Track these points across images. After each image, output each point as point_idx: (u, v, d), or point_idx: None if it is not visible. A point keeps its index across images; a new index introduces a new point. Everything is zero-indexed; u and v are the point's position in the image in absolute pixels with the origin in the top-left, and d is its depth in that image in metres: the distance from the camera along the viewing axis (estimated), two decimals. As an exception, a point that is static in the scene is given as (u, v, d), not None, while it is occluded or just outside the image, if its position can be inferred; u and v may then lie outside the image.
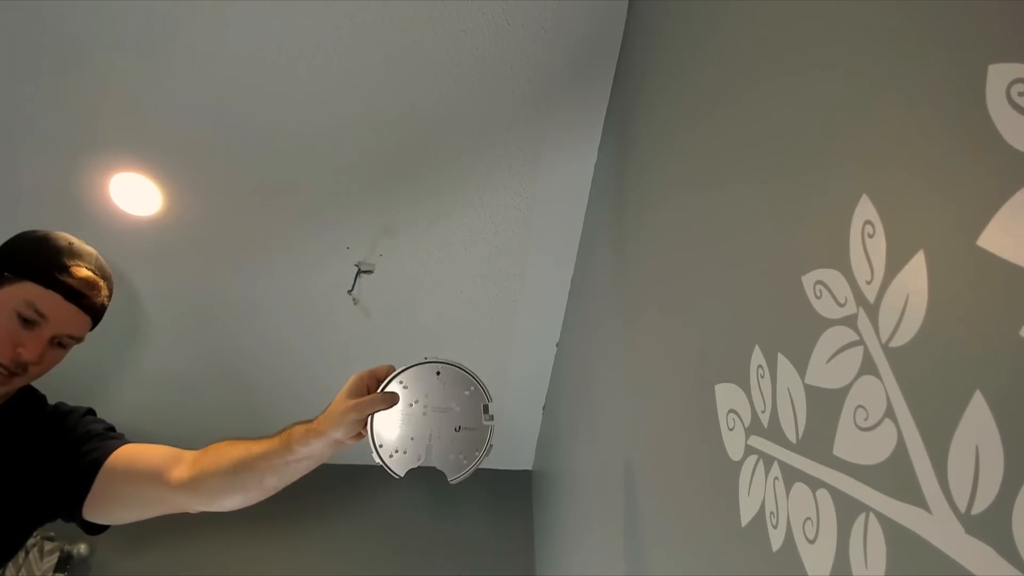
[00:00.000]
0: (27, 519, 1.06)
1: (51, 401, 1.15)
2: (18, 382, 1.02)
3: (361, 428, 0.99)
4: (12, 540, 1.04)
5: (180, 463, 1.08)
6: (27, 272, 1.01)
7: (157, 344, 2.64)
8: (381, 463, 0.97)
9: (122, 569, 2.92)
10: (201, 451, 1.10)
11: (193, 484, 1.05)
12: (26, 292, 1.00)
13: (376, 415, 0.99)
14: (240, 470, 1.03)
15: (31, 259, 1.03)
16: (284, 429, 1.05)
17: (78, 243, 1.09)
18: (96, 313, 1.08)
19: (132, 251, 2.30)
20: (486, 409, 1.00)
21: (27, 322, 0.99)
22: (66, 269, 1.03)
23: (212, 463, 1.06)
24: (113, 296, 1.13)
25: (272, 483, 1.04)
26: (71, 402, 1.18)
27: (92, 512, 1.08)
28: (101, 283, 1.08)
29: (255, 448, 1.04)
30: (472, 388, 1.01)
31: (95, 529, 1.11)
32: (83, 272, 1.05)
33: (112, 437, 1.13)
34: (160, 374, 2.75)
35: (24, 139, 2.00)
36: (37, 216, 2.15)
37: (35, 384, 1.10)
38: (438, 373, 1.02)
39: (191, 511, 1.09)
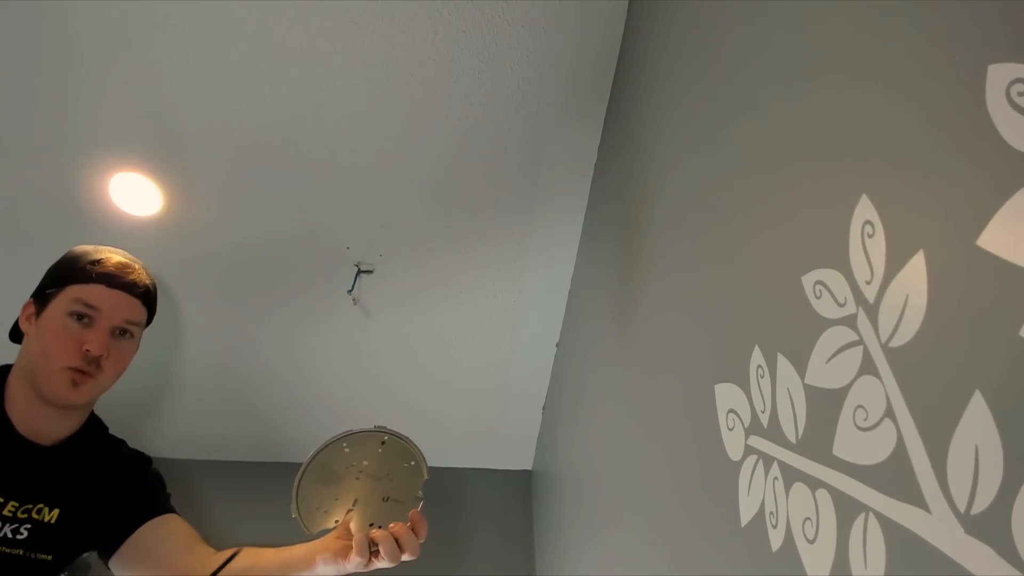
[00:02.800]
0: (81, 548, 1.10)
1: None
2: (99, 384, 1.06)
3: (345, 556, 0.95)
4: (64, 565, 1.07)
5: (189, 554, 1.10)
6: (65, 280, 1.07)
7: (156, 343, 2.64)
8: (296, 516, 0.96)
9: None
10: (213, 553, 1.11)
11: None
12: (71, 294, 1.05)
13: (310, 472, 0.99)
14: None
15: (63, 269, 1.09)
16: (286, 548, 1.04)
17: (101, 246, 1.15)
18: (142, 293, 1.12)
19: (132, 251, 2.29)
20: (421, 485, 0.98)
21: (82, 319, 1.04)
22: (97, 261, 1.09)
23: None
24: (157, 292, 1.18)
25: None
26: None
27: (115, 567, 1.12)
28: (135, 264, 1.14)
29: (257, 561, 1.05)
30: (413, 462, 1.00)
31: None
32: (114, 258, 1.11)
33: (158, 501, 1.16)
34: (160, 373, 2.75)
35: (24, 139, 1.99)
36: (37, 216, 2.15)
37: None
38: (383, 442, 1.02)
39: None
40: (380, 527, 0.92)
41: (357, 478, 0.99)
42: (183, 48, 1.80)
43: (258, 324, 2.59)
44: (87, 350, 1.02)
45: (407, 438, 1.02)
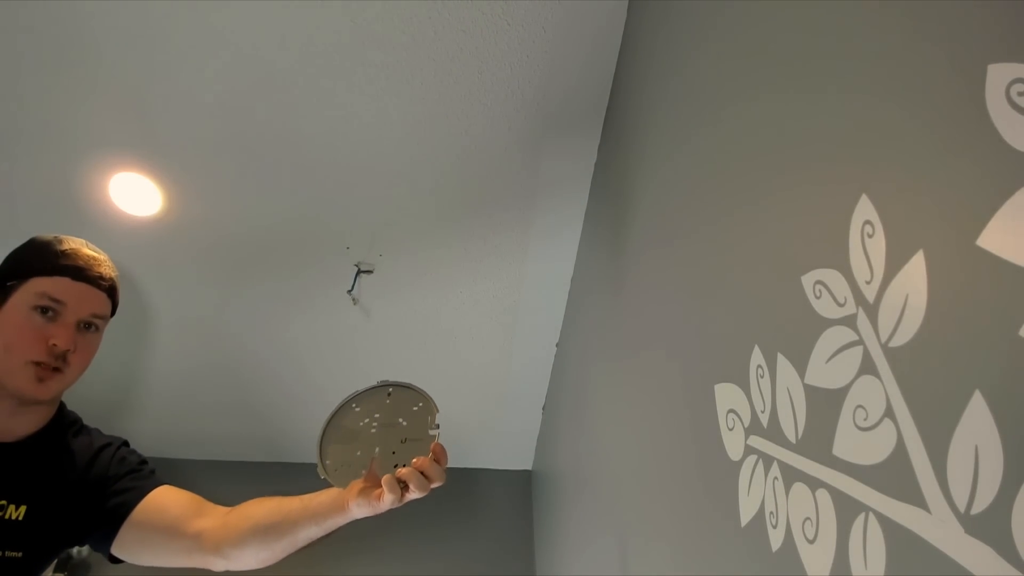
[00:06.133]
0: (57, 543, 1.08)
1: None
2: (65, 378, 1.04)
3: (375, 497, 0.98)
4: (40, 561, 1.06)
5: (202, 516, 1.10)
6: (28, 271, 1.04)
7: (157, 343, 2.64)
8: (324, 478, 1.00)
9: (122, 570, 2.91)
10: (230, 509, 1.12)
11: (217, 541, 1.06)
12: (35, 287, 1.02)
13: (329, 433, 1.04)
14: (268, 533, 1.05)
15: (27, 259, 1.06)
16: (313, 496, 1.05)
17: (64, 235, 1.11)
18: (108, 287, 1.10)
19: (132, 251, 2.30)
20: (432, 419, 1.04)
21: (47, 313, 1.02)
22: (62, 253, 1.06)
23: (238, 522, 1.07)
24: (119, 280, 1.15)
25: (300, 545, 1.06)
26: (80, 404, 1.19)
27: (120, 553, 1.11)
28: (100, 256, 1.11)
29: (286, 512, 1.05)
30: (420, 404, 1.06)
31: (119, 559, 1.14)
32: (80, 250, 1.08)
33: (141, 478, 1.14)
34: (160, 372, 2.75)
35: (24, 139, 1.99)
36: (37, 216, 2.15)
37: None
38: (389, 394, 1.07)
39: (214, 569, 1.10)
40: (404, 465, 0.97)
41: (373, 430, 1.04)
42: (183, 48, 1.80)
43: (259, 324, 2.59)
44: (53, 344, 1.00)
45: (409, 383, 1.08)
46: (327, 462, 1.01)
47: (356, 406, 1.06)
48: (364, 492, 0.97)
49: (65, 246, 1.07)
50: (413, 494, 0.95)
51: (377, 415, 1.05)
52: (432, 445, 0.99)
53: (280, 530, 1.04)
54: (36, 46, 1.79)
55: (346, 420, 1.05)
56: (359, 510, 0.98)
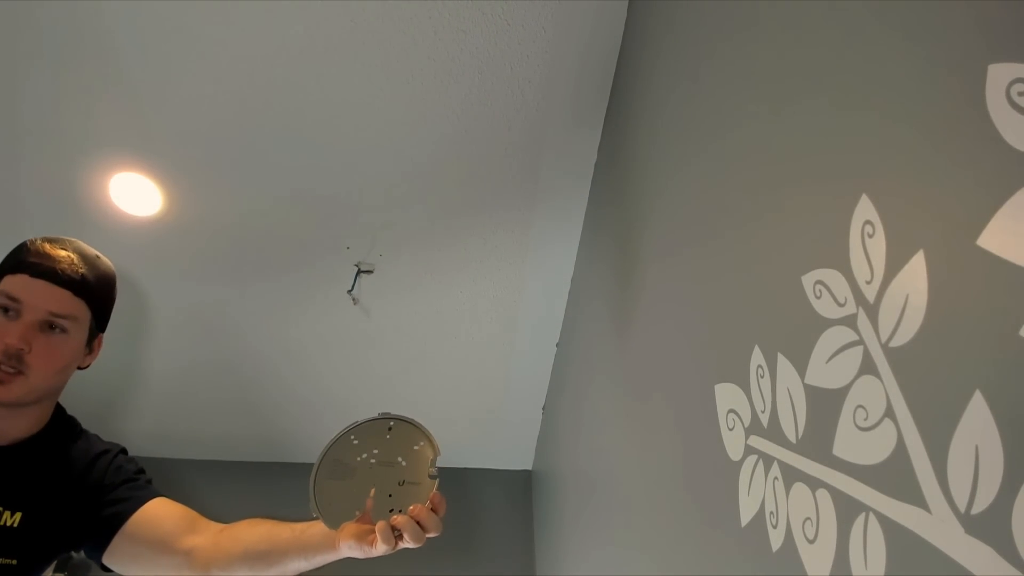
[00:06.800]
0: (52, 550, 1.07)
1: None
2: (29, 381, 0.99)
3: (369, 541, 0.96)
4: (35, 568, 1.05)
5: (195, 532, 1.09)
6: (2, 270, 1.02)
7: (156, 342, 2.64)
8: (316, 516, 0.97)
9: (122, 569, 2.91)
10: (223, 527, 1.10)
11: (206, 562, 1.05)
12: (2, 286, 1.00)
13: (323, 470, 1.00)
14: (257, 561, 1.04)
15: (5, 259, 1.04)
16: (305, 529, 1.03)
17: (56, 236, 1.07)
18: (69, 282, 1.03)
19: (132, 251, 2.30)
20: (432, 463, 0.99)
21: (8, 312, 0.98)
22: (29, 250, 1.03)
23: (229, 545, 1.06)
24: (112, 285, 1.11)
25: (289, 575, 1.05)
26: (79, 404, 1.18)
27: (111, 563, 1.09)
28: (63, 252, 1.05)
29: (276, 541, 1.04)
30: (421, 443, 1.01)
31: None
32: (43, 247, 1.04)
33: (138, 488, 1.12)
34: (159, 372, 2.75)
35: (24, 139, 1.99)
36: (37, 216, 2.15)
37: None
38: (390, 428, 1.03)
39: None
40: (400, 511, 0.94)
41: (370, 467, 1.00)
42: (183, 48, 1.80)
43: (258, 324, 2.59)
44: (8, 344, 0.96)
45: (412, 419, 1.03)
46: (320, 500, 0.98)
47: (355, 439, 1.02)
48: (357, 535, 0.94)
49: (36, 243, 1.04)
50: (407, 543, 0.92)
51: (376, 451, 1.01)
52: (431, 494, 0.96)
53: (269, 560, 1.03)
54: (37, 47, 1.79)
55: (343, 454, 1.01)
56: (350, 551, 0.96)
